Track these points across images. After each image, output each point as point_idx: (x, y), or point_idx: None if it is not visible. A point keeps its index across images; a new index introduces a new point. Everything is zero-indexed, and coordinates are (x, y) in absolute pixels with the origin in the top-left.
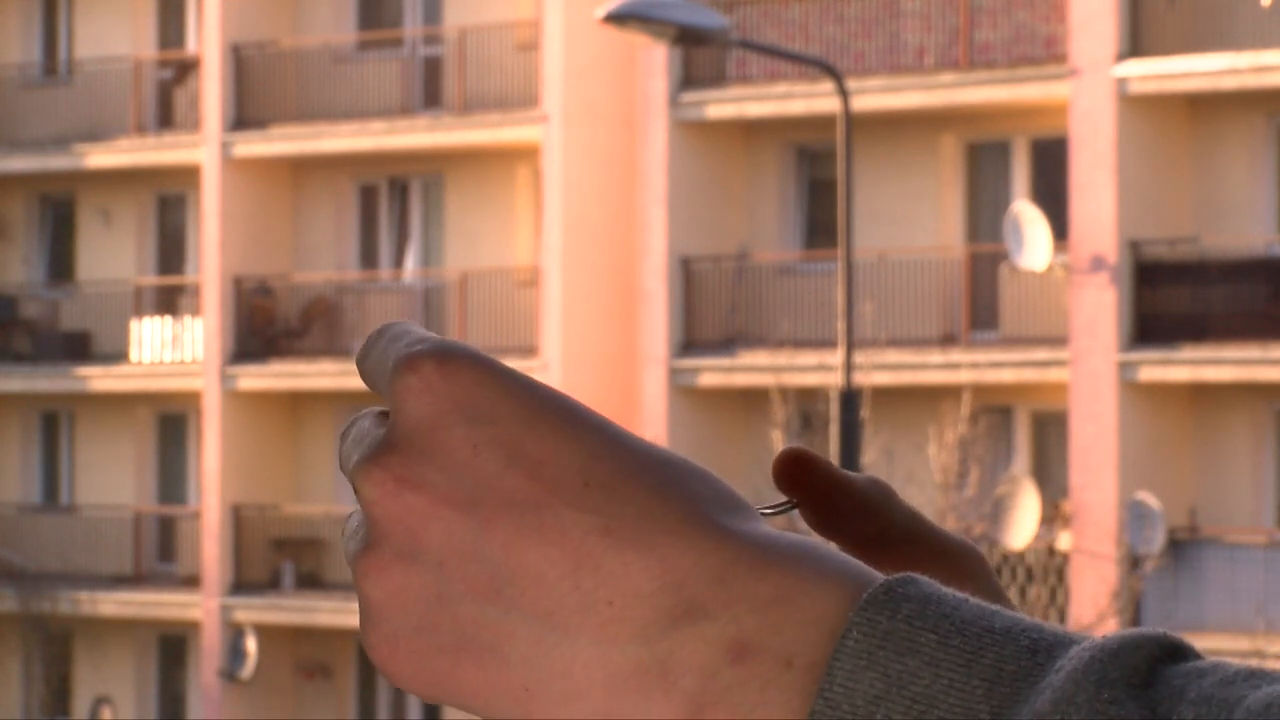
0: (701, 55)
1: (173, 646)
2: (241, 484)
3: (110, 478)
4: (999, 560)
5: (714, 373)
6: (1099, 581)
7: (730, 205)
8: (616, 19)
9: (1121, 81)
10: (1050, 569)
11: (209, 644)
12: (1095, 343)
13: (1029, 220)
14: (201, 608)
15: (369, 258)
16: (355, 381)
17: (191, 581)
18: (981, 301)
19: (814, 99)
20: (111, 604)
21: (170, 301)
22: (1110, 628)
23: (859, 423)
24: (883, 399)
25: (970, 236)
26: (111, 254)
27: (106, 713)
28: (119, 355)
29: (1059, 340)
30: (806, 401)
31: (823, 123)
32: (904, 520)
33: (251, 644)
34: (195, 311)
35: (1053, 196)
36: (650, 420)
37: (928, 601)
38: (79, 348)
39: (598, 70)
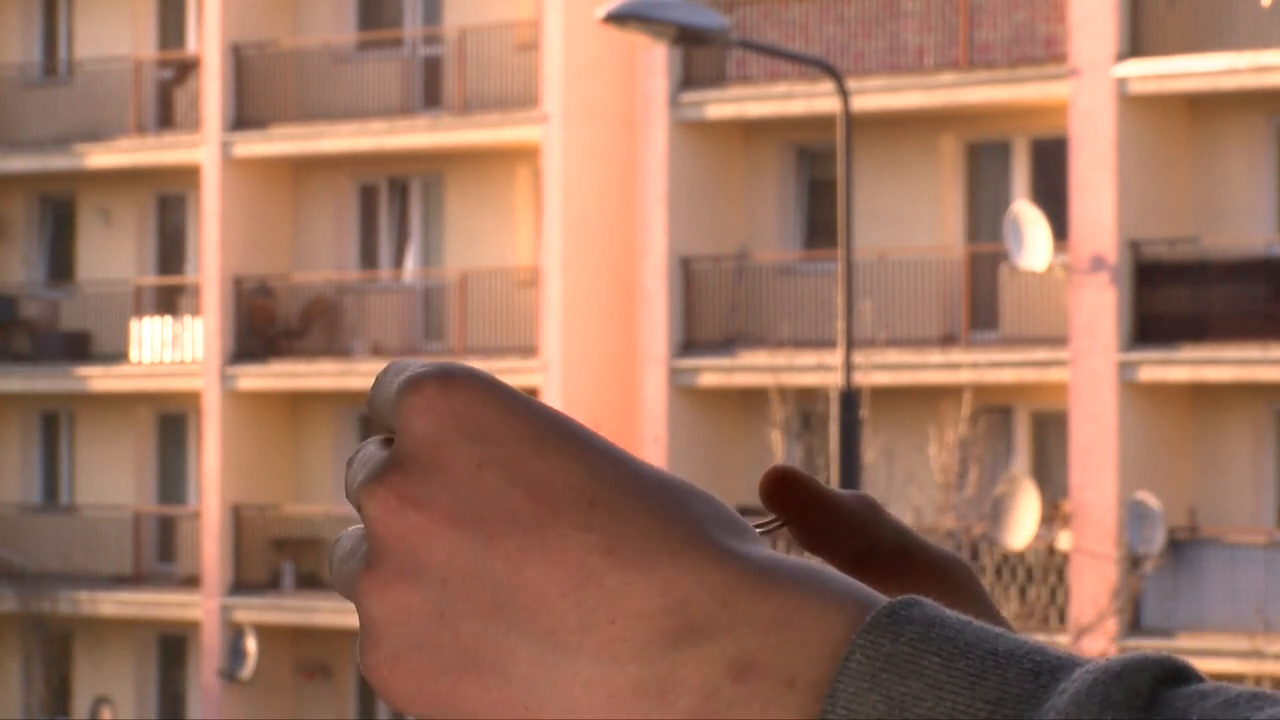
0: (701, 55)
1: (173, 646)
2: (241, 484)
3: (110, 478)
4: (999, 560)
5: (714, 373)
6: (1099, 581)
7: (730, 205)
8: (616, 19)
9: (1121, 81)
10: (1050, 569)
11: (209, 644)
12: (1095, 343)
13: (1029, 220)
14: (201, 608)
15: (369, 258)
16: (355, 381)
17: (191, 581)
18: (981, 301)
19: (814, 99)
20: (111, 604)
21: (170, 301)
22: (1110, 628)
23: (859, 423)
24: (883, 399)
25: (970, 236)
26: (111, 254)
27: (106, 713)
28: (119, 355)
29: (1059, 340)
30: (806, 401)
31: (823, 123)
32: (892, 536)
33: (251, 644)
34: (195, 311)
35: (1053, 196)
36: (650, 420)
37: (931, 624)
38: (79, 348)
39: (598, 70)
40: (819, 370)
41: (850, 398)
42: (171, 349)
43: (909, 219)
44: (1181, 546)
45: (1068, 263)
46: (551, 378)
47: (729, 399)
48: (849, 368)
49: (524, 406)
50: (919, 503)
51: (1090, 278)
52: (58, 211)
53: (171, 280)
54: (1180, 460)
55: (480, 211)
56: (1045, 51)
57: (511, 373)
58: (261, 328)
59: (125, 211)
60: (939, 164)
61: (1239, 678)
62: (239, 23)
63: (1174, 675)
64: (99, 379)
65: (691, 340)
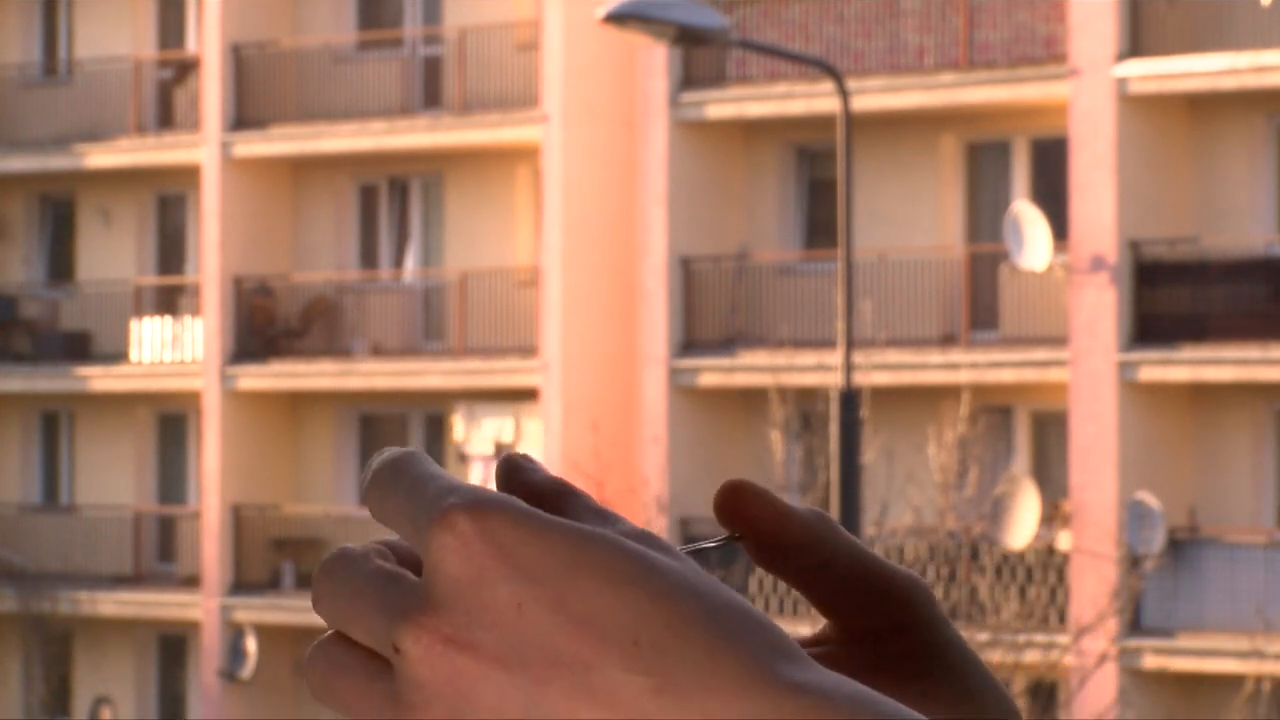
0: (701, 55)
1: (173, 646)
2: (241, 484)
3: (110, 478)
4: (999, 560)
5: (714, 373)
6: (1099, 581)
7: (730, 205)
8: (616, 19)
9: (1121, 81)
10: (1050, 569)
11: (209, 644)
12: (1095, 343)
13: (1029, 220)
14: (201, 608)
15: (369, 258)
16: (355, 381)
17: (191, 581)
18: (981, 301)
19: (814, 99)
20: (111, 604)
21: (170, 301)
22: (1110, 628)
23: (859, 423)
24: (882, 399)
25: (970, 236)
26: (111, 254)
27: (106, 713)
28: (119, 355)
29: (1059, 340)
30: (806, 401)
31: (823, 123)
32: (846, 554)
33: (251, 644)
34: (195, 311)
35: (1053, 196)
36: (650, 420)
37: None
38: (79, 348)
39: (598, 70)
40: (819, 370)
41: (850, 398)
42: (171, 349)
43: (909, 219)
44: (1181, 546)
45: (1068, 263)
46: (551, 378)
47: (729, 399)
48: (849, 368)
49: (562, 538)
50: (919, 503)
51: (1090, 278)
52: (58, 211)
53: (171, 280)
54: (1180, 460)
55: (480, 211)
56: (1045, 51)
57: (511, 373)
58: (261, 328)
59: (125, 211)
60: (939, 164)
61: (1239, 678)
62: (239, 23)
63: None
64: (99, 379)
65: (691, 340)
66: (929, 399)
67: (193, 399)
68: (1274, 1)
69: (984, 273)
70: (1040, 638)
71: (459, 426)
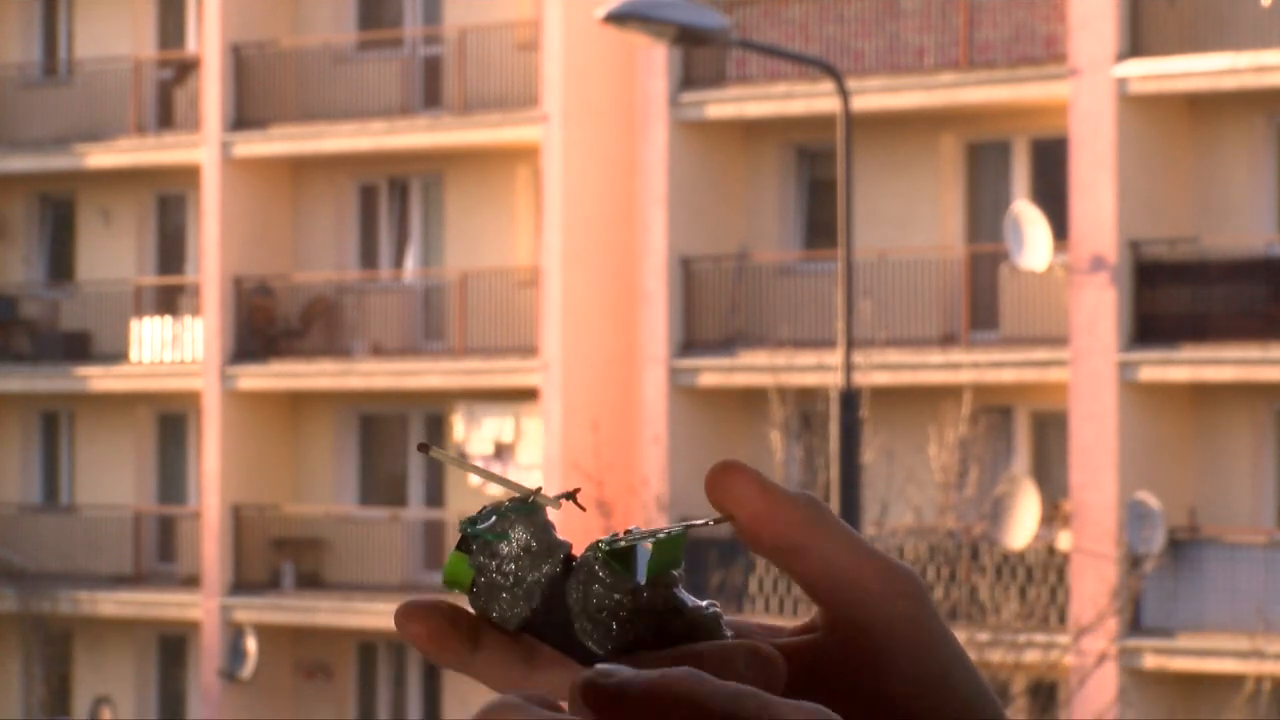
0: (701, 55)
1: (173, 646)
2: (241, 484)
3: (110, 478)
4: (999, 560)
5: (714, 373)
6: (1099, 581)
7: (730, 205)
8: (616, 19)
9: (1121, 81)
10: (1050, 569)
11: (209, 644)
12: (1095, 343)
13: (1029, 220)
14: (201, 608)
15: (369, 258)
16: (355, 381)
17: (191, 581)
18: (981, 301)
19: (814, 99)
20: (111, 604)
21: (170, 301)
22: (1110, 628)
23: (859, 423)
24: (882, 399)
25: (970, 236)
26: (111, 254)
27: (106, 713)
28: (119, 355)
29: (1059, 340)
30: (806, 401)
31: (823, 123)
32: (837, 540)
33: (251, 644)
34: (195, 311)
35: (1053, 196)
36: (650, 420)
37: None
38: (79, 348)
39: (598, 70)
40: (819, 370)
41: (850, 398)
42: (171, 349)
43: (909, 219)
44: (1181, 546)
45: (1068, 263)
46: (551, 378)
47: (729, 399)
48: (849, 368)
49: None
50: (919, 503)
51: (1090, 278)
52: (58, 211)
53: (171, 280)
54: (1180, 460)
55: (480, 211)
56: (1045, 51)
57: (511, 373)
58: (261, 328)
59: (125, 211)
60: (939, 164)
61: (1239, 678)
62: (239, 23)
63: None
64: (99, 379)
65: (691, 340)
66: (929, 399)
67: (193, 399)
68: (1274, 1)
69: (984, 273)
70: (1040, 638)
71: (459, 426)
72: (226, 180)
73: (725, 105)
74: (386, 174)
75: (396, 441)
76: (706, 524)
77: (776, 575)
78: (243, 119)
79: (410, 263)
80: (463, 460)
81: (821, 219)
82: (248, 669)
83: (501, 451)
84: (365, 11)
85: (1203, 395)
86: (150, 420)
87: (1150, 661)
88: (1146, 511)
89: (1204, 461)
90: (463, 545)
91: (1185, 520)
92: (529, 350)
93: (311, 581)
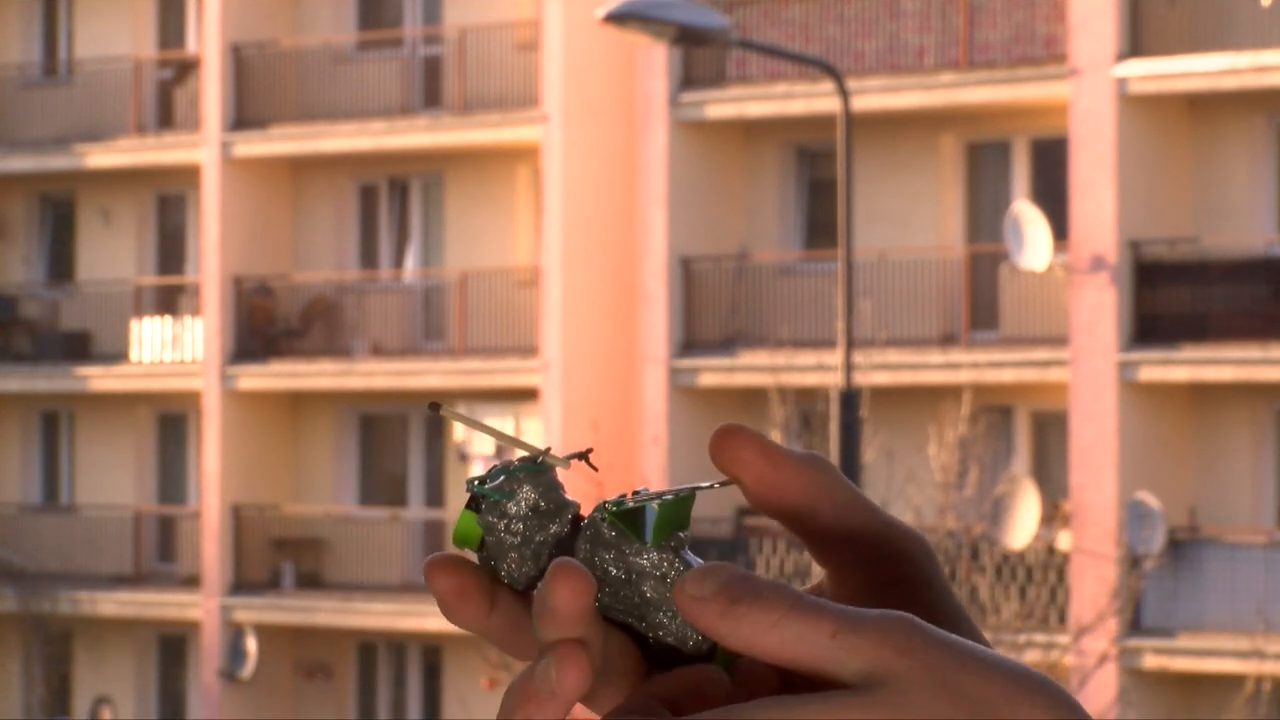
0: (701, 55)
1: (173, 646)
2: (241, 484)
3: (110, 478)
4: (999, 560)
5: (714, 373)
6: (1099, 581)
7: (730, 205)
8: (616, 19)
9: (1121, 81)
10: (1050, 569)
11: (209, 644)
12: (1095, 343)
13: (1029, 220)
14: (201, 608)
15: (369, 258)
16: (355, 381)
17: (191, 581)
18: (981, 301)
19: (814, 99)
20: (111, 604)
21: (170, 301)
22: (1110, 628)
23: (859, 423)
24: (882, 399)
25: (970, 236)
26: (111, 254)
27: (106, 713)
28: (119, 355)
29: (1059, 340)
30: (806, 401)
31: (823, 123)
32: (845, 502)
33: (251, 644)
34: (195, 311)
35: (1053, 196)
36: (650, 420)
37: None
38: (79, 348)
39: (598, 70)
40: (819, 370)
41: (850, 398)
42: (171, 349)
43: (909, 219)
44: (1181, 546)
45: (1068, 263)
46: (551, 378)
47: (729, 399)
48: (849, 368)
49: None
50: (919, 503)
51: (1090, 278)
52: (58, 211)
53: (171, 280)
54: (1180, 460)
55: (480, 211)
56: (1045, 51)
57: (511, 373)
58: (261, 328)
59: (125, 211)
60: (939, 164)
61: (1239, 678)
62: (239, 23)
63: None
64: (99, 379)
65: (691, 340)
66: (929, 399)
67: (193, 399)
68: (1274, 1)
69: (984, 273)
70: (1040, 638)
71: (459, 426)
72: (226, 180)
73: (725, 105)
74: (386, 174)
75: (396, 441)
76: (714, 486)
77: (776, 573)
78: (243, 119)
79: (410, 263)
80: (473, 419)
81: (821, 219)
82: (248, 669)
83: (501, 451)
84: (365, 11)
85: (1203, 395)
86: (150, 420)
87: (1150, 661)
88: (1146, 511)
89: (1204, 461)
90: (472, 504)
91: (1185, 520)
92: (529, 350)
93: (311, 581)
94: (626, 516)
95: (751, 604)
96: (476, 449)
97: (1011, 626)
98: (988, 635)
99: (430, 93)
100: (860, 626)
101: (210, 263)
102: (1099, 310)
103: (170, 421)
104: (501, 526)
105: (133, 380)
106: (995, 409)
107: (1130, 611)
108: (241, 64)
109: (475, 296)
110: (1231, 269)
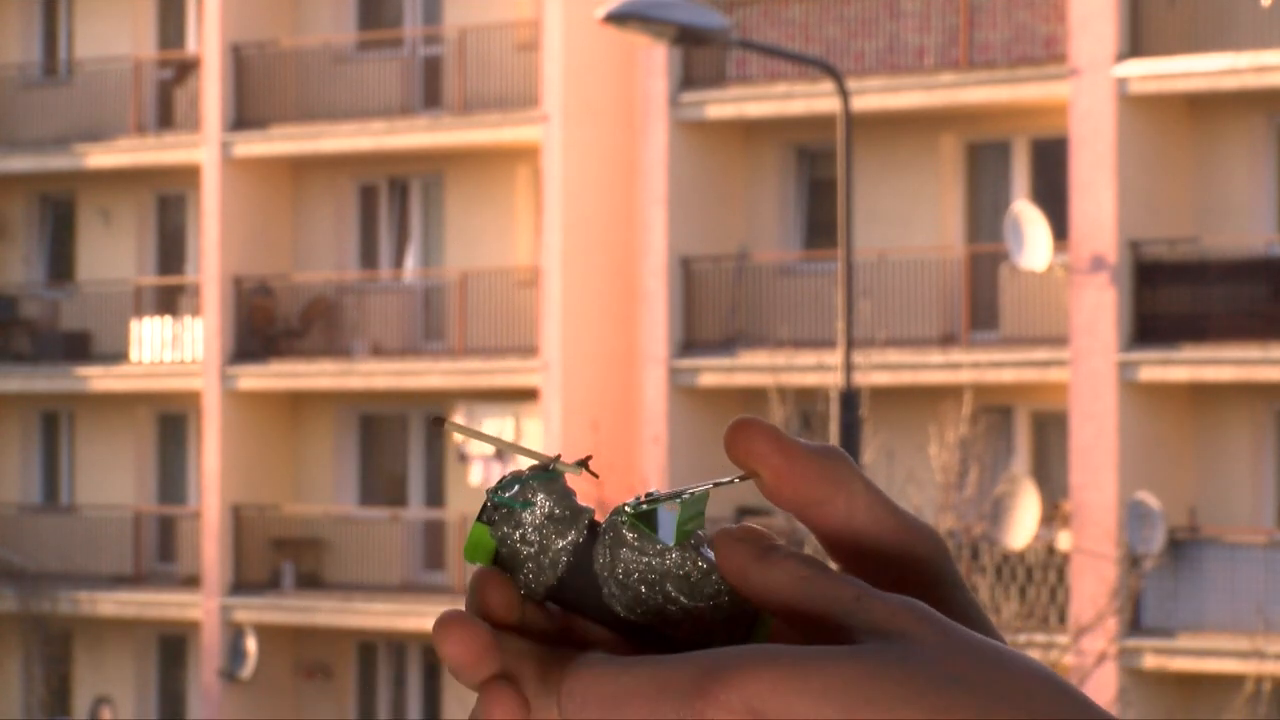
0: (701, 55)
1: (173, 646)
2: (241, 484)
3: (110, 478)
4: (999, 560)
5: (714, 373)
6: (1099, 581)
7: (730, 205)
8: (616, 19)
9: (1121, 81)
10: (1050, 569)
11: (209, 644)
12: (1095, 343)
13: (1029, 220)
14: (201, 608)
15: (369, 258)
16: (355, 381)
17: (191, 581)
18: (981, 301)
19: (814, 99)
20: (111, 604)
21: (170, 301)
22: (1110, 628)
23: (859, 423)
24: (882, 399)
25: (970, 236)
26: (111, 254)
27: (106, 713)
28: (119, 355)
29: (1059, 340)
30: (806, 401)
31: (823, 123)
32: (858, 492)
33: (251, 644)
34: (195, 311)
35: (1053, 196)
36: (650, 420)
37: None
38: (79, 348)
39: (598, 70)
40: (819, 370)
41: (850, 398)
42: (171, 349)
43: (909, 219)
44: (1181, 546)
45: (1068, 263)
46: (551, 378)
47: (729, 399)
48: (849, 368)
49: None
50: (919, 503)
51: (1090, 278)
52: (58, 211)
53: (171, 280)
54: (1180, 460)
55: (480, 211)
56: (1045, 51)
57: (511, 372)
58: (261, 328)
59: (125, 211)
60: (939, 164)
61: (1239, 678)
62: (239, 23)
63: None
64: (99, 379)
65: (691, 340)
66: (929, 399)
67: (193, 399)
68: (1274, 1)
69: (984, 273)
70: (1040, 637)
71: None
72: (226, 180)
73: (725, 105)
74: (386, 174)
75: (396, 441)
76: (731, 481)
77: None
78: (243, 119)
79: (410, 263)
80: (476, 431)
81: (821, 219)
82: (248, 669)
83: (502, 451)
84: (365, 11)
85: (1202, 395)
86: (150, 420)
87: (1150, 661)
88: (1146, 511)
89: (1204, 461)
90: (484, 516)
91: (1185, 520)
92: (529, 350)
93: (311, 581)
94: (645, 518)
95: (787, 556)
96: (476, 450)
97: (1011, 626)
98: None
99: (430, 93)
100: (883, 595)
101: (210, 263)
102: (1099, 310)
103: (170, 421)
104: (517, 536)
105: (133, 380)
106: (995, 409)
107: (1130, 611)
108: (241, 64)
109: (475, 296)
110: (1231, 269)
